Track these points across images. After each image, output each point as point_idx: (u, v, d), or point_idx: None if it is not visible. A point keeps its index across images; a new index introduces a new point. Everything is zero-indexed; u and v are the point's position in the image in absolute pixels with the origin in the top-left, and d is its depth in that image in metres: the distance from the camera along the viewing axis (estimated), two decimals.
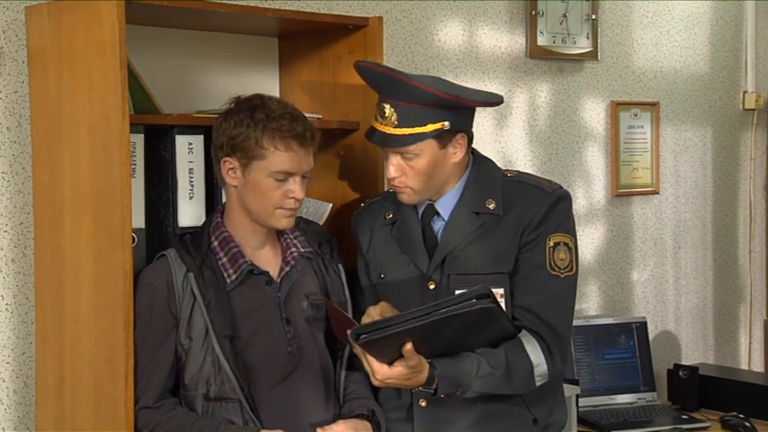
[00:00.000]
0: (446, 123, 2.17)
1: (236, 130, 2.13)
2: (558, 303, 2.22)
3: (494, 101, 2.28)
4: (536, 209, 2.21)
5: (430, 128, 2.16)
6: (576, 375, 3.31)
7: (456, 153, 2.22)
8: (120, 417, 2.08)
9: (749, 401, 3.37)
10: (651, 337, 3.65)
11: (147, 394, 2.12)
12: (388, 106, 2.18)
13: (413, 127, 2.16)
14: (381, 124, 2.19)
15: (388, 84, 2.19)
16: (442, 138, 2.18)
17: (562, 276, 2.21)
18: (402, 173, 2.20)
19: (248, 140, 2.12)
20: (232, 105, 2.19)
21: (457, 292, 2.18)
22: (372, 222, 2.36)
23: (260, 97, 2.18)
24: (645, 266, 3.87)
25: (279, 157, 2.12)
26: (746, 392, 3.42)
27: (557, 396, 2.34)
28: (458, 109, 2.18)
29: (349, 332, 2.00)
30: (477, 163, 2.31)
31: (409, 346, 1.99)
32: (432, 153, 2.18)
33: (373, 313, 2.17)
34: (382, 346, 1.99)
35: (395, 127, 2.17)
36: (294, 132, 2.12)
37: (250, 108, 2.14)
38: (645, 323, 3.57)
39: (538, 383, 2.19)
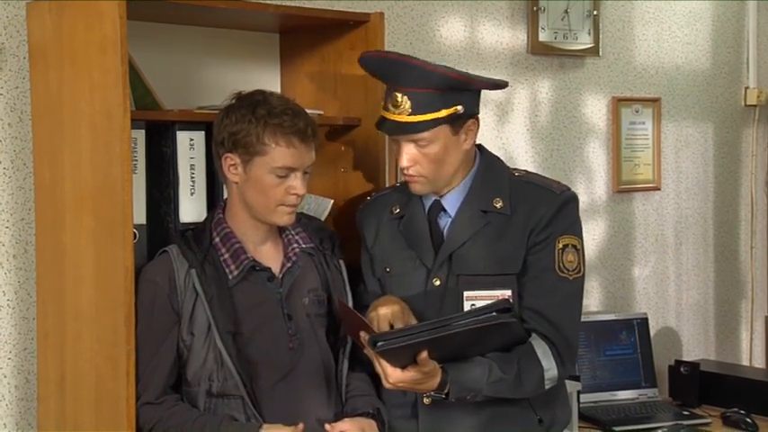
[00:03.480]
0: (459, 108, 2.16)
1: (238, 126, 2.13)
2: (567, 306, 2.22)
3: (500, 83, 2.29)
4: (544, 210, 2.21)
5: (444, 113, 2.15)
6: (577, 371, 3.31)
7: (467, 140, 2.21)
8: (121, 413, 2.08)
9: (750, 397, 3.37)
10: (652, 333, 3.65)
11: (148, 391, 2.12)
12: (400, 94, 2.15)
13: (427, 113, 2.14)
14: (394, 113, 2.17)
15: (399, 71, 2.16)
16: (455, 123, 2.17)
17: (571, 278, 2.21)
18: (416, 161, 2.18)
19: (250, 136, 2.12)
20: (233, 101, 2.18)
21: (466, 293, 2.19)
22: (379, 217, 2.35)
23: (261, 93, 2.18)
24: (646, 263, 3.87)
25: (280, 152, 2.12)
26: (747, 388, 3.42)
27: (561, 397, 2.35)
28: (467, 92, 2.18)
29: (366, 338, 2.00)
30: (485, 160, 2.30)
31: (424, 354, 1.99)
32: (445, 139, 2.17)
33: (381, 311, 2.15)
34: (398, 354, 2.00)
35: (409, 114, 2.15)
36: (296, 128, 2.12)
37: (251, 104, 2.14)
38: (646, 319, 3.57)
39: (547, 387, 2.19)
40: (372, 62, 2.24)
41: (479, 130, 2.26)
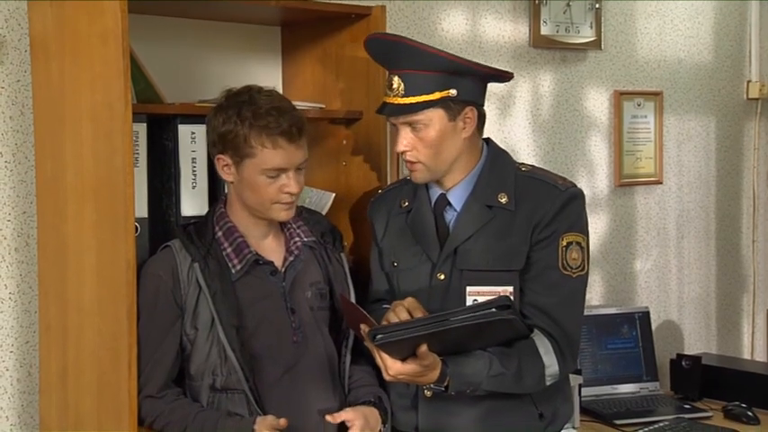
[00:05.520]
0: (452, 91, 2.16)
1: (225, 127, 2.12)
2: (570, 304, 2.22)
3: (502, 71, 2.28)
4: (548, 206, 2.20)
5: (437, 95, 2.15)
6: (578, 365, 3.31)
7: (465, 128, 2.21)
8: (123, 406, 2.09)
9: (752, 391, 3.37)
10: (654, 326, 3.65)
11: (150, 384, 2.12)
12: (395, 78, 2.18)
13: (420, 95, 2.15)
14: (390, 97, 2.19)
15: (391, 51, 2.18)
16: (451, 108, 2.17)
17: (574, 276, 2.20)
18: (412, 146, 2.19)
19: (237, 138, 2.11)
20: (222, 100, 2.17)
21: (468, 288, 2.19)
22: (389, 210, 2.36)
23: (248, 91, 2.16)
24: (648, 256, 3.87)
25: (268, 154, 2.11)
26: (749, 382, 3.42)
27: (563, 392, 2.34)
28: (465, 78, 2.18)
29: (366, 331, 2.01)
30: (492, 155, 2.29)
31: (424, 347, 1.99)
32: (441, 123, 2.17)
33: (401, 310, 2.13)
34: (397, 347, 2.00)
35: (402, 96, 2.17)
36: (280, 129, 2.11)
37: (237, 104, 2.13)
38: (648, 313, 3.57)
39: (548, 383, 2.19)
40: (372, 45, 2.26)
41: (484, 122, 2.26)
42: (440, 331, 1.99)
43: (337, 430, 2.16)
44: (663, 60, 3.86)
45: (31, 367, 2.43)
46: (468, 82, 2.18)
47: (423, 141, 2.18)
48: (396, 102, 2.18)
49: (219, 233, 2.20)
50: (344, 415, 2.14)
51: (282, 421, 2.05)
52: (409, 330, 1.98)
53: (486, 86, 2.25)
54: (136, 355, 2.09)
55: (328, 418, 2.12)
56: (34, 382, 2.43)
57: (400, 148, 2.20)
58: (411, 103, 2.16)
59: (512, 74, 2.30)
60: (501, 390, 2.14)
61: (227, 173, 2.17)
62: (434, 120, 2.17)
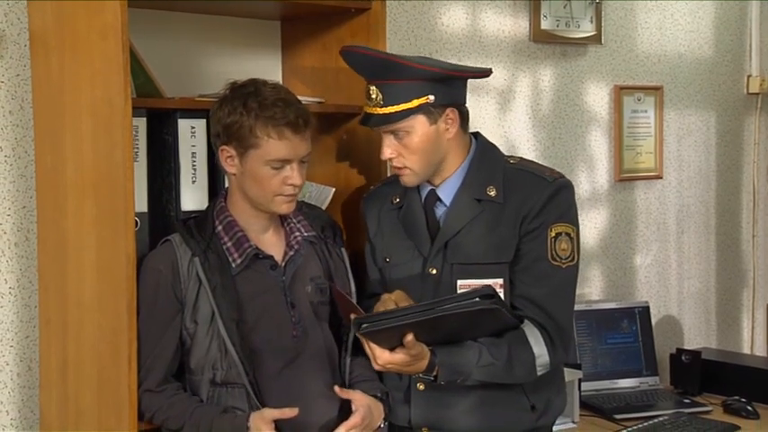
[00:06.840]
0: (430, 97, 2.16)
1: (231, 118, 2.13)
2: (560, 294, 2.22)
3: (479, 71, 2.29)
4: (536, 198, 2.20)
5: (415, 103, 2.16)
6: (578, 360, 3.32)
7: (448, 129, 2.21)
8: (123, 400, 2.09)
9: (751, 386, 3.37)
10: (654, 321, 3.66)
11: (149, 378, 2.12)
12: (373, 88, 2.19)
13: (398, 104, 2.17)
14: (370, 107, 2.21)
15: (370, 64, 2.20)
16: (431, 113, 2.18)
17: (564, 267, 2.21)
18: (398, 153, 2.20)
19: (242, 129, 2.11)
20: (227, 92, 2.18)
21: (459, 282, 2.20)
22: (380, 206, 2.36)
23: (254, 83, 2.17)
24: (648, 251, 3.87)
25: (273, 145, 2.12)
26: (749, 377, 3.42)
27: (556, 384, 2.34)
28: (443, 82, 2.18)
29: (352, 319, 2.01)
30: (481, 149, 2.30)
31: (410, 337, 2.00)
32: (423, 129, 2.18)
33: (389, 303, 2.15)
34: (384, 336, 2.01)
35: (381, 107, 2.18)
36: (286, 120, 2.11)
37: (243, 96, 2.13)
38: (647, 308, 3.57)
39: (539, 373, 2.19)
40: (346, 58, 2.26)
41: (468, 119, 2.26)
42: (425, 320, 2.00)
43: (336, 424, 2.16)
44: (663, 55, 3.85)
45: (31, 362, 2.44)
46: (444, 86, 2.19)
47: (407, 148, 2.19)
48: (376, 112, 2.19)
49: (219, 227, 2.20)
50: (353, 394, 2.15)
51: (295, 411, 2.05)
52: (394, 319, 1.99)
53: (465, 85, 2.26)
54: (136, 350, 2.09)
55: (336, 389, 2.13)
56: (34, 377, 2.43)
57: (385, 155, 2.22)
58: (390, 113, 2.17)
59: (490, 70, 2.31)
60: (492, 380, 2.15)
61: (230, 164, 2.17)
62: (416, 126, 2.18)
